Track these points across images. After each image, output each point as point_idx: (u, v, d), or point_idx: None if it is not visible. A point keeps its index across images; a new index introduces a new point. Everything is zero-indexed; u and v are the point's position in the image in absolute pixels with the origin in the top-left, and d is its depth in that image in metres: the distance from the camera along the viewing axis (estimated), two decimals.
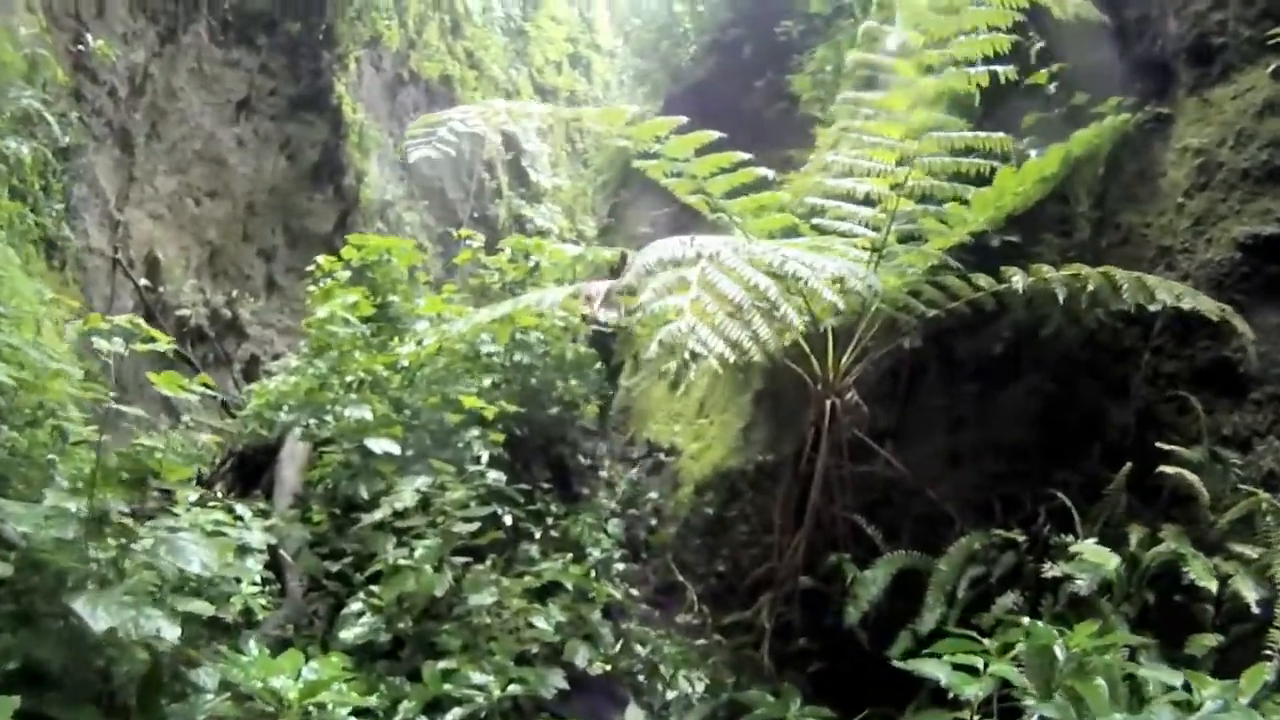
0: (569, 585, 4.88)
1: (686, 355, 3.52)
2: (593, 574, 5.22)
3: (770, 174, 5.34)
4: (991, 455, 5.40)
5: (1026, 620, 3.97)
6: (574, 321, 7.20)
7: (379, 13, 14.50)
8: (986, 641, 3.74)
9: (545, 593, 5.05)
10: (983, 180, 5.19)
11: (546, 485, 6.93)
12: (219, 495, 6.18)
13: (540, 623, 4.28)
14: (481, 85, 18.01)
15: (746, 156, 5.15)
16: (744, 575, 6.25)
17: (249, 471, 6.64)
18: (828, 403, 5.30)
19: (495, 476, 5.58)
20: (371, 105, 15.07)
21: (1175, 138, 5.43)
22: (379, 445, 5.47)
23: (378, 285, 7.75)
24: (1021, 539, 4.79)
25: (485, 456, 6.15)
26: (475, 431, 5.95)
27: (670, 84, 12.53)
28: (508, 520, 6.01)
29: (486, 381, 6.58)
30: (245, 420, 7.03)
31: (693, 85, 11.78)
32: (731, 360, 3.78)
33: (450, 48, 17.75)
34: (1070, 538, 4.58)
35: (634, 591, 6.39)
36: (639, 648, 5.00)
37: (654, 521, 7.50)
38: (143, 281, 10.65)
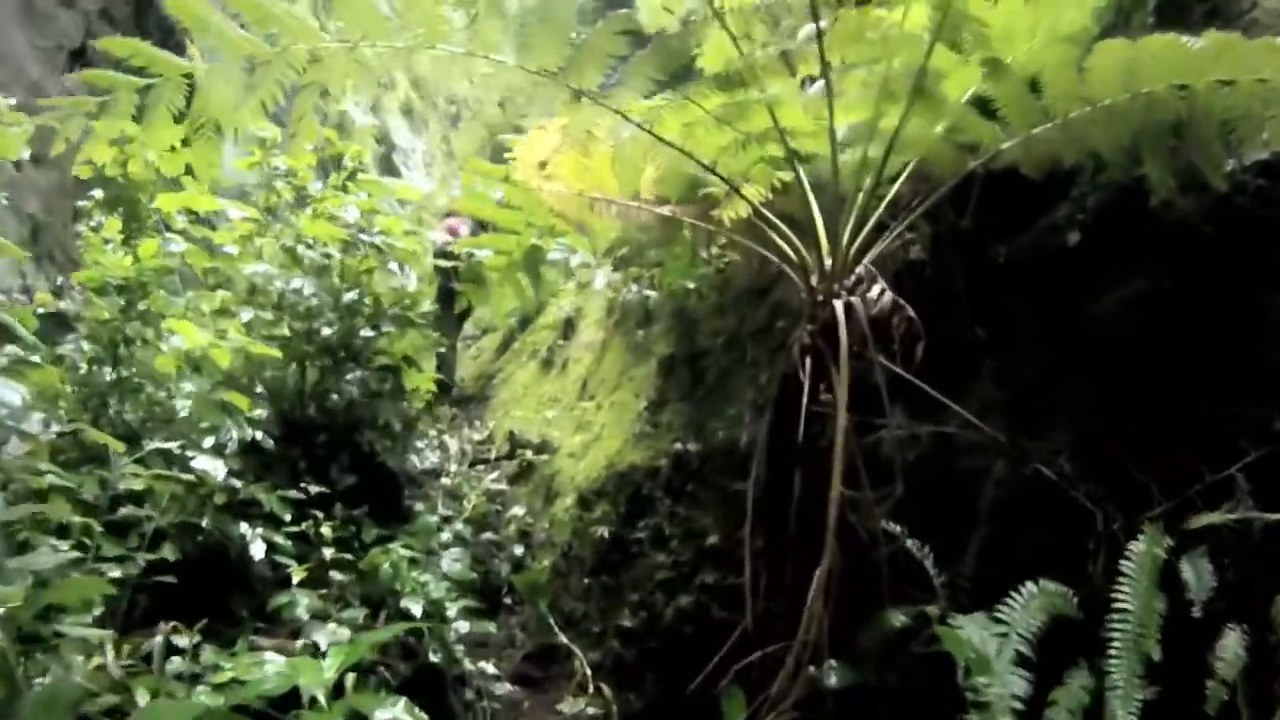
0: (319, 698, 1.99)
1: None
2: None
3: None
4: (1088, 405, 2.90)
5: None
6: (397, 244, 4.30)
7: None
8: None
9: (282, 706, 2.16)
10: None
11: (349, 492, 4.00)
12: None
13: None
14: (353, 70, 15.09)
15: None
16: (669, 634, 3.53)
17: None
18: (837, 305, 2.67)
19: (206, 467, 2.65)
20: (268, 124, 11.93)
21: None
22: None
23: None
24: None
25: (234, 434, 3.22)
26: (189, 386, 3.00)
27: None
28: (256, 549, 3.07)
29: (244, 316, 3.61)
30: None
31: None
32: None
33: (324, 25, 14.88)
34: None
35: (489, 669, 3.53)
36: None
37: (520, 550, 4.65)
38: None
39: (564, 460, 5.11)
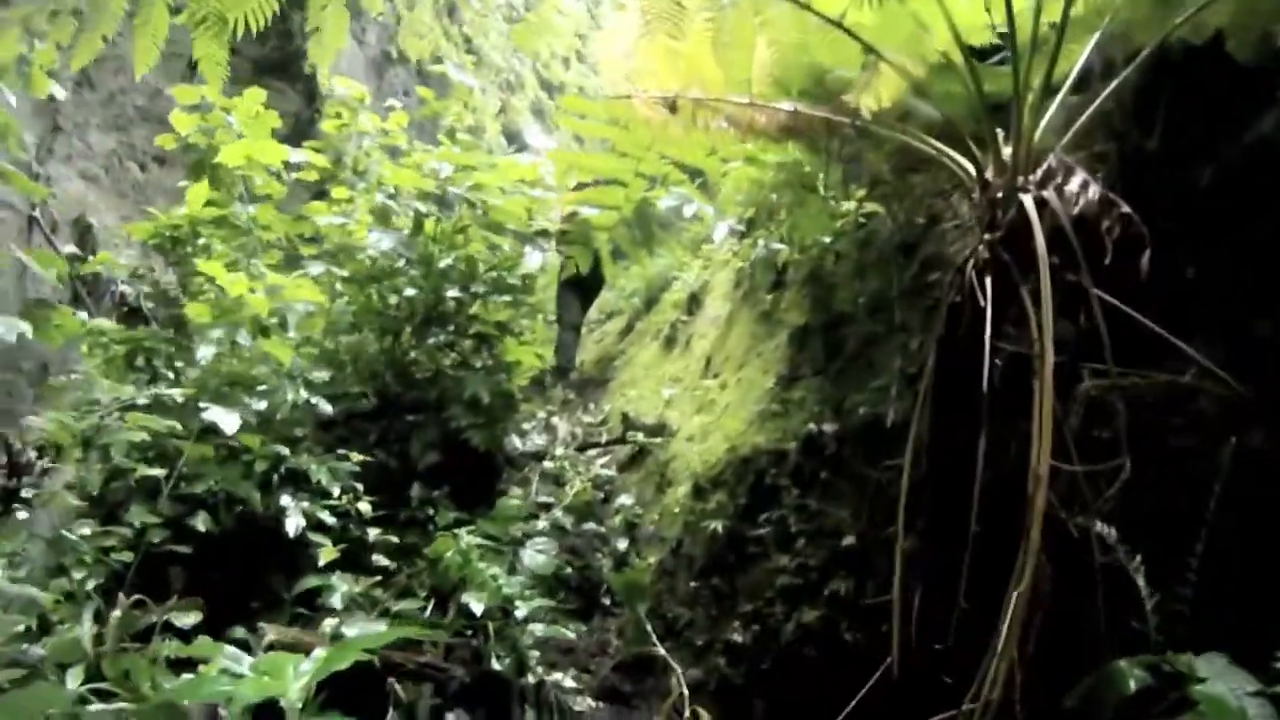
0: None
1: None
2: None
3: None
4: None
5: None
6: (493, 202, 3.79)
7: None
8: None
9: None
10: None
11: (431, 471, 3.55)
12: None
13: None
14: (480, 73, 15.24)
15: None
16: (786, 655, 2.81)
17: None
18: (1026, 201, 1.88)
19: (218, 419, 2.22)
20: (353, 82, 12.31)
21: None
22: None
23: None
24: None
25: (288, 397, 2.82)
26: (240, 337, 2.59)
27: None
28: (291, 524, 2.62)
29: (313, 270, 3.20)
30: None
31: None
32: None
33: (446, 30, 15.07)
34: None
35: (568, 680, 2.94)
36: None
37: (624, 545, 4.05)
38: (69, 248, 7.74)
39: (681, 444, 4.46)
